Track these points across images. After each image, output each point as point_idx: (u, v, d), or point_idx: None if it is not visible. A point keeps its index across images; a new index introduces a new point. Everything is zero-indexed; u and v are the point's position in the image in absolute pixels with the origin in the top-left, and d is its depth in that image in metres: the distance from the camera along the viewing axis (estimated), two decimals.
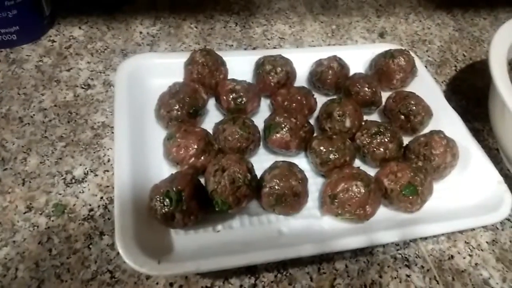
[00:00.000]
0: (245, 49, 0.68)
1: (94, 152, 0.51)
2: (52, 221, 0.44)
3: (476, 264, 0.47)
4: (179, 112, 0.49)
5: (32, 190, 0.46)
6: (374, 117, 0.59)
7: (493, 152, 0.58)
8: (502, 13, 0.85)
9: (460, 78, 0.70)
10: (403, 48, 0.62)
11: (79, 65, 0.60)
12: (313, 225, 0.46)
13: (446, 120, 0.57)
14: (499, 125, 0.52)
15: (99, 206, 0.46)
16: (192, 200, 0.41)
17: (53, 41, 0.63)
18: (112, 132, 0.52)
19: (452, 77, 0.70)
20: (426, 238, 0.48)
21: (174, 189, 0.40)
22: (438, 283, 0.45)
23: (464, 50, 0.76)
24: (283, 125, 0.49)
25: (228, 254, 0.40)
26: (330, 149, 0.48)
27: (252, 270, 0.43)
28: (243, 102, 0.52)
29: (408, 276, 0.45)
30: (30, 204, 0.45)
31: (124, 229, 0.40)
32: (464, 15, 0.84)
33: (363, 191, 0.44)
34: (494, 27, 0.81)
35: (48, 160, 0.49)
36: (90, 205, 0.46)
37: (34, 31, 0.63)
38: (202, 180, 0.45)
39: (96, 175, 0.49)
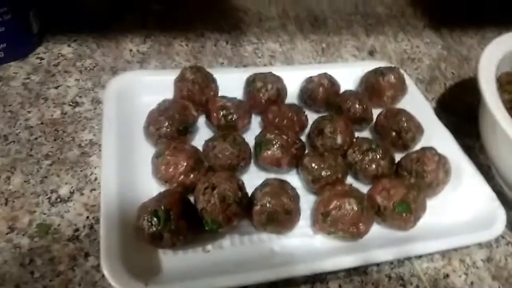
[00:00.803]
0: (236, 66, 0.68)
1: (81, 171, 0.49)
2: (35, 242, 0.43)
3: (471, 282, 0.46)
4: (168, 129, 0.49)
5: (15, 210, 0.45)
6: (365, 134, 0.58)
7: (485, 169, 0.57)
8: (488, 32, 0.86)
9: (449, 95, 0.70)
10: (393, 65, 0.62)
11: (67, 83, 0.60)
12: (305, 244, 0.45)
13: (437, 137, 0.56)
14: (491, 142, 0.52)
15: (84, 226, 0.45)
16: (181, 219, 0.40)
17: (41, 58, 0.63)
18: (100, 150, 0.51)
19: (442, 94, 0.70)
20: (420, 256, 0.47)
21: (163, 208, 0.39)
22: None
23: (452, 68, 0.76)
24: (274, 142, 0.49)
25: (218, 274, 0.39)
26: (322, 166, 0.48)
27: None
28: (233, 119, 0.52)
29: None
30: (13, 224, 0.44)
31: (110, 249, 0.38)
32: (452, 34, 0.85)
33: (356, 208, 0.43)
34: (481, 45, 0.82)
35: (32, 179, 0.48)
36: (75, 225, 0.44)
37: (22, 48, 0.62)
38: (192, 199, 0.44)
39: (82, 194, 0.47)
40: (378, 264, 0.46)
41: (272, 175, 0.49)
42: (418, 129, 0.55)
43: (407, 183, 0.48)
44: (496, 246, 0.50)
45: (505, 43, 0.57)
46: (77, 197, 0.47)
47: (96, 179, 0.49)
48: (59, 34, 0.67)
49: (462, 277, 0.46)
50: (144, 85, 0.55)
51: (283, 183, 0.45)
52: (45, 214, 0.45)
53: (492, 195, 0.50)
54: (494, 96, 0.49)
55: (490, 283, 0.46)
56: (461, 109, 0.67)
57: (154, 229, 0.39)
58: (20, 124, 0.53)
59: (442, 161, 0.50)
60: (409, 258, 0.47)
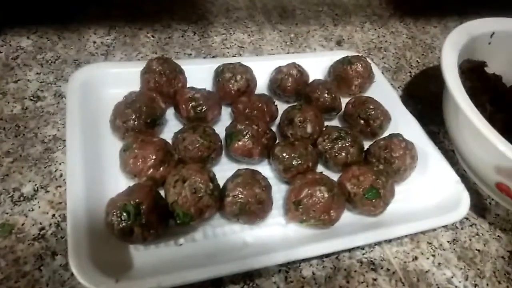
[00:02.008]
0: (204, 57, 0.67)
1: (45, 167, 0.48)
2: None
3: (439, 263, 0.48)
4: (135, 122, 0.47)
5: None
6: (334, 122, 0.59)
7: (449, 154, 0.59)
8: (450, 22, 0.89)
9: (415, 83, 0.72)
10: (360, 54, 0.63)
11: (28, 76, 0.57)
12: (278, 233, 0.45)
13: (404, 124, 0.58)
14: (454, 127, 0.53)
15: (50, 224, 0.43)
16: (152, 213, 0.39)
17: None
18: (64, 146, 0.49)
19: (408, 83, 0.72)
20: (390, 241, 0.48)
21: (132, 202, 0.39)
22: (404, 284, 0.45)
23: (417, 56, 0.78)
24: (245, 133, 0.48)
25: (191, 267, 0.39)
26: (293, 155, 0.48)
27: (217, 283, 0.42)
28: (203, 111, 0.51)
29: (374, 279, 0.45)
30: None
31: (78, 247, 0.37)
32: (416, 23, 0.87)
33: (327, 196, 0.44)
34: (444, 34, 0.84)
35: None
36: (40, 223, 0.43)
37: None
38: (162, 193, 0.43)
39: (47, 191, 0.46)
40: (349, 250, 0.46)
41: (243, 166, 0.49)
42: (386, 117, 0.56)
43: (376, 169, 0.49)
44: (461, 228, 0.52)
45: (466, 31, 0.59)
46: (41, 194, 0.45)
47: (61, 175, 0.47)
48: (18, 25, 0.64)
49: (430, 259, 0.48)
50: (109, 78, 0.54)
51: (255, 173, 0.45)
52: (7, 213, 0.43)
53: (457, 178, 0.52)
54: (457, 83, 0.50)
55: (456, 263, 0.48)
56: (426, 97, 0.69)
57: (124, 224, 0.38)
58: None
59: (408, 147, 0.51)
60: (379, 243, 0.48)
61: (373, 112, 0.55)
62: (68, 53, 0.62)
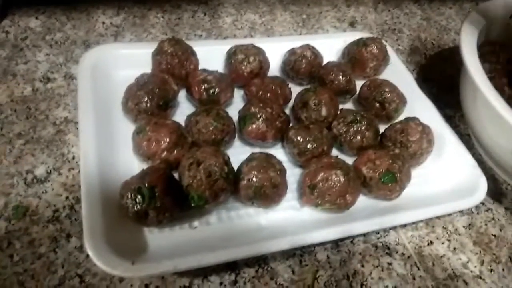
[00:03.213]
0: (215, 39, 0.66)
1: (57, 150, 0.47)
2: (13, 224, 0.41)
3: (454, 248, 0.47)
4: (148, 104, 0.47)
5: None
6: (348, 105, 0.58)
7: (465, 138, 0.58)
8: (466, 2, 0.86)
9: (429, 66, 0.71)
10: (375, 36, 0.61)
11: (37, 58, 0.56)
12: (292, 217, 0.45)
13: (420, 107, 0.57)
14: (471, 110, 0.52)
15: (64, 206, 0.43)
16: (166, 196, 0.39)
17: (7, 32, 0.59)
18: (76, 128, 0.49)
19: (422, 65, 0.70)
20: (405, 225, 0.48)
21: (146, 185, 0.38)
22: (419, 269, 0.45)
23: (432, 38, 0.76)
24: (259, 116, 0.48)
25: (206, 251, 0.38)
26: (308, 138, 0.47)
27: (232, 266, 0.41)
28: (215, 93, 0.50)
29: (389, 264, 0.45)
30: None
31: (93, 229, 0.37)
32: (431, 4, 0.85)
33: (343, 180, 0.43)
34: (459, 15, 0.82)
35: (5, 159, 0.45)
36: (54, 205, 0.43)
37: None
38: (176, 175, 0.43)
39: (60, 173, 0.45)
40: (364, 235, 0.46)
41: (256, 149, 0.48)
42: (401, 100, 0.55)
43: (392, 153, 0.48)
44: (477, 213, 0.51)
45: (485, 12, 0.57)
46: (54, 177, 0.45)
47: (74, 158, 0.47)
48: (25, 6, 0.63)
49: (445, 243, 0.47)
50: (120, 59, 0.53)
51: (269, 157, 0.45)
52: (21, 195, 0.43)
53: (474, 163, 0.51)
54: (476, 65, 0.49)
55: (471, 248, 0.48)
56: (441, 80, 0.68)
57: (138, 207, 0.38)
58: None
59: (425, 131, 0.50)
60: (394, 228, 0.47)
61: (388, 95, 0.54)
62: (77, 34, 0.61)
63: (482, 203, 0.52)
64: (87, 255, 0.38)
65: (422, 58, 0.72)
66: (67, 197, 0.44)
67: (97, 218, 0.38)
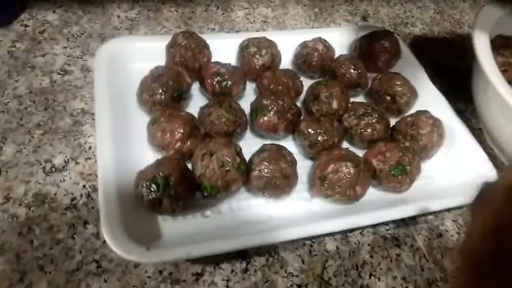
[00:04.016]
0: (228, 32, 0.66)
1: (74, 140, 0.49)
2: (32, 211, 0.42)
3: (463, 242, 0.47)
4: (162, 96, 0.48)
5: (10, 180, 0.44)
6: (359, 99, 0.58)
7: (477, 132, 0.58)
8: None
9: (442, 60, 0.70)
10: (387, 29, 0.61)
11: (55, 50, 0.58)
12: (303, 208, 0.46)
13: (431, 101, 0.57)
14: (483, 104, 0.52)
15: (81, 195, 0.44)
16: (180, 186, 0.40)
17: (26, 25, 0.60)
18: (93, 119, 0.50)
19: (435, 59, 0.70)
20: (414, 217, 0.48)
21: (161, 174, 0.39)
22: (427, 261, 0.45)
23: (445, 32, 0.76)
24: (271, 108, 0.48)
25: (218, 239, 0.39)
26: (319, 131, 0.48)
27: (243, 255, 0.42)
28: (228, 85, 0.51)
29: (398, 255, 0.45)
30: (8, 194, 0.43)
31: (110, 216, 0.38)
32: None
33: (353, 171, 0.43)
34: (473, 9, 0.82)
35: (25, 148, 0.47)
36: (72, 194, 0.44)
37: (4, 15, 0.60)
38: (189, 166, 0.44)
39: (78, 163, 0.47)
40: (373, 226, 0.47)
41: (267, 141, 0.49)
42: (413, 94, 0.55)
43: (402, 146, 0.48)
44: None
45: (499, 6, 0.57)
46: (72, 166, 0.46)
47: (90, 148, 0.48)
48: (43, 0, 0.64)
49: (455, 236, 0.48)
50: (135, 52, 0.54)
51: (281, 148, 0.45)
52: (40, 183, 0.44)
53: (485, 157, 0.51)
54: (488, 58, 0.49)
55: None
56: (453, 74, 0.67)
57: (153, 195, 0.39)
58: (8, 93, 0.51)
59: (436, 124, 0.50)
60: (403, 219, 0.48)
61: (399, 88, 0.54)
62: (93, 28, 0.62)
63: None
64: (104, 242, 0.40)
65: (435, 52, 0.72)
66: (84, 186, 0.45)
67: (113, 206, 0.39)
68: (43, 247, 0.40)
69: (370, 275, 0.43)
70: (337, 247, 0.45)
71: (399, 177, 0.46)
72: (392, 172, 0.46)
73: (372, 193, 0.47)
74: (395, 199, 0.48)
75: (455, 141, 0.53)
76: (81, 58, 0.58)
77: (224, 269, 0.41)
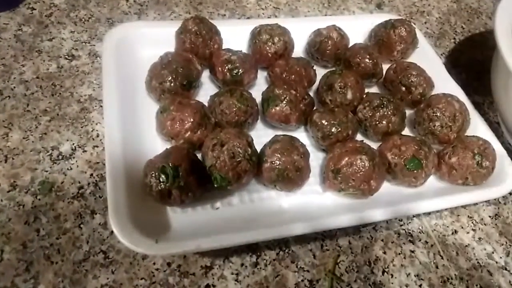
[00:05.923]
0: (239, 18, 0.65)
1: (82, 127, 0.48)
2: (39, 199, 0.41)
3: (479, 238, 0.46)
4: (172, 84, 0.46)
5: (16, 167, 0.43)
6: (373, 89, 0.57)
7: (494, 126, 0.56)
8: None
9: (459, 50, 0.68)
10: (403, 18, 0.59)
11: (62, 35, 0.56)
12: (315, 201, 0.44)
13: (448, 93, 0.55)
14: (503, 97, 0.50)
15: (89, 183, 0.43)
16: (190, 176, 0.39)
17: (33, 8, 0.59)
18: (101, 106, 0.49)
19: (451, 50, 0.68)
20: (429, 213, 0.47)
21: (170, 164, 0.38)
22: (442, 258, 0.44)
23: (462, 22, 0.74)
24: (283, 98, 0.47)
25: (228, 232, 0.38)
26: (332, 122, 0.46)
27: (253, 248, 0.42)
28: (239, 74, 0.50)
29: (412, 251, 0.44)
30: (14, 182, 0.42)
31: (118, 207, 0.37)
32: None
33: (368, 165, 0.42)
34: None
35: (32, 135, 0.46)
36: (79, 182, 0.43)
37: None
38: (199, 156, 0.42)
39: (85, 151, 0.46)
40: (387, 221, 0.45)
41: (279, 132, 0.47)
42: (428, 84, 0.53)
43: (418, 139, 0.47)
44: (504, 203, 0.50)
45: None
46: (79, 154, 0.45)
47: (98, 135, 0.47)
48: None
49: (470, 233, 0.47)
50: (144, 37, 0.52)
51: (293, 140, 0.44)
52: (47, 171, 0.44)
53: (503, 152, 0.49)
54: (510, 48, 0.47)
55: (497, 238, 0.47)
56: (470, 65, 0.65)
57: (162, 186, 0.38)
58: (15, 78, 0.50)
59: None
60: (418, 215, 0.47)
61: (415, 78, 0.53)
62: (101, 12, 0.61)
63: (510, 193, 0.50)
64: (111, 232, 0.39)
65: (451, 42, 0.69)
66: (91, 174, 0.44)
67: (121, 195, 0.38)
68: (50, 236, 0.39)
69: (383, 271, 0.42)
70: (350, 242, 0.44)
71: (415, 171, 0.44)
72: (407, 166, 0.44)
73: (386, 187, 0.46)
74: (409, 194, 0.46)
75: (473, 134, 0.51)
76: (89, 43, 0.56)
77: (234, 262, 0.41)
